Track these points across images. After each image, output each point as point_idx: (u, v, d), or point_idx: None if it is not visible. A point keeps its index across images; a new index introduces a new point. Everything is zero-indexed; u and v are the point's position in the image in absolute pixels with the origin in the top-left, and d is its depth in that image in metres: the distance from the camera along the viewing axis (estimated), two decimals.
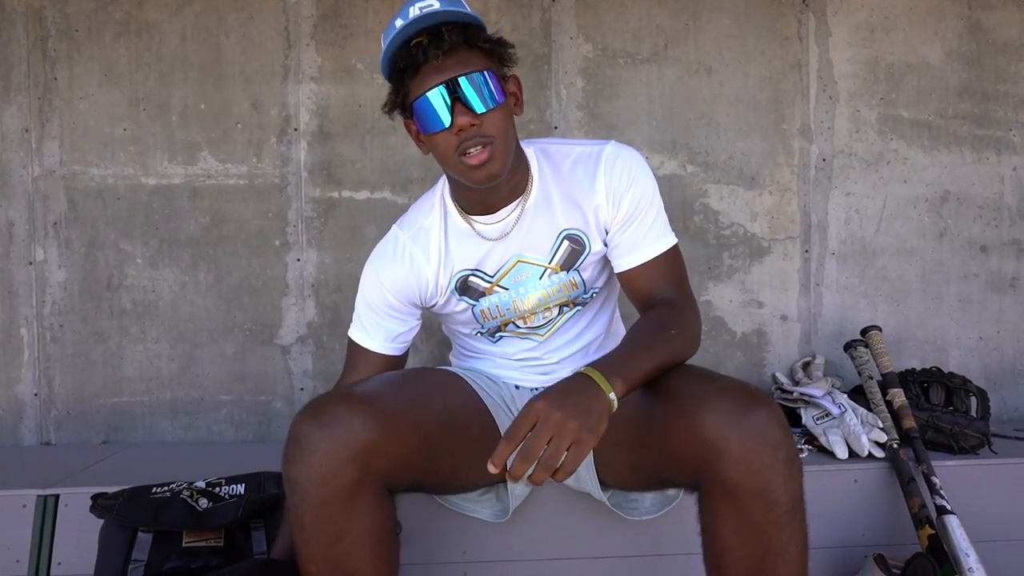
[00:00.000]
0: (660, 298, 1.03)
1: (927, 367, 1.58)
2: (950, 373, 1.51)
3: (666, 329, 0.95)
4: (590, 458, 1.06)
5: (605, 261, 1.12)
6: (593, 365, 0.86)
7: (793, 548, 0.83)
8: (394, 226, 1.13)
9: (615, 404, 0.83)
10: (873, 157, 1.74)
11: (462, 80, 0.91)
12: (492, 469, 0.76)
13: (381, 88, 1.65)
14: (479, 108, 0.92)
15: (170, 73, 1.65)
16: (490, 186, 0.99)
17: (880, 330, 1.57)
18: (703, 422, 0.82)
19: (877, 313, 1.74)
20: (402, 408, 0.92)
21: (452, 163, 0.96)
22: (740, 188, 1.72)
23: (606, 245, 1.08)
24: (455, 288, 1.09)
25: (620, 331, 1.22)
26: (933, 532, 1.19)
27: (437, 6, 0.92)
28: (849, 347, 1.59)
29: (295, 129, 1.66)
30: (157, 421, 1.66)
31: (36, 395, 1.66)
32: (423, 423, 0.94)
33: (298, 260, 1.67)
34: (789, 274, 1.73)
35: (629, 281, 1.07)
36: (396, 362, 1.14)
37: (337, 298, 1.67)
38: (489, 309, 1.10)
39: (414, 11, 0.91)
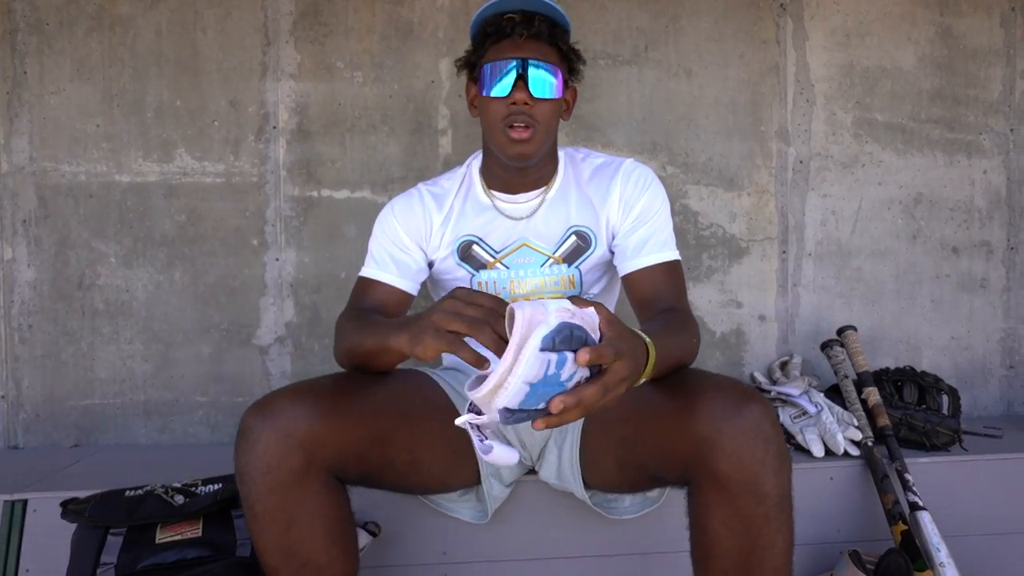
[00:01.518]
0: (663, 305, 1.05)
1: (901, 366, 1.62)
2: (923, 372, 1.54)
3: (691, 337, 0.98)
4: (576, 457, 1.07)
5: (606, 267, 1.16)
6: (655, 350, 0.80)
7: (780, 541, 0.85)
8: (419, 183, 1.22)
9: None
10: (849, 159, 1.77)
11: (534, 63, 1.02)
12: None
13: (361, 87, 1.65)
14: (537, 93, 1.03)
15: (145, 69, 1.62)
16: (519, 165, 1.09)
17: (855, 330, 1.60)
18: (697, 416, 0.83)
19: (853, 313, 1.77)
20: (349, 398, 0.94)
21: (495, 130, 1.06)
22: (719, 189, 1.74)
23: (612, 252, 1.13)
24: (457, 250, 1.14)
25: None
26: (906, 528, 1.21)
27: None
28: (825, 347, 1.61)
29: (274, 127, 1.64)
30: (130, 423, 1.63)
31: (4, 397, 1.61)
32: (374, 414, 0.95)
33: (276, 259, 1.65)
34: (767, 274, 1.75)
35: (633, 284, 1.10)
36: (403, 299, 1.14)
37: (316, 298, 1.65)
38: (486, 284, 1.15)
39: None
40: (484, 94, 1.05)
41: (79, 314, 1.62)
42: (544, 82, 1.03)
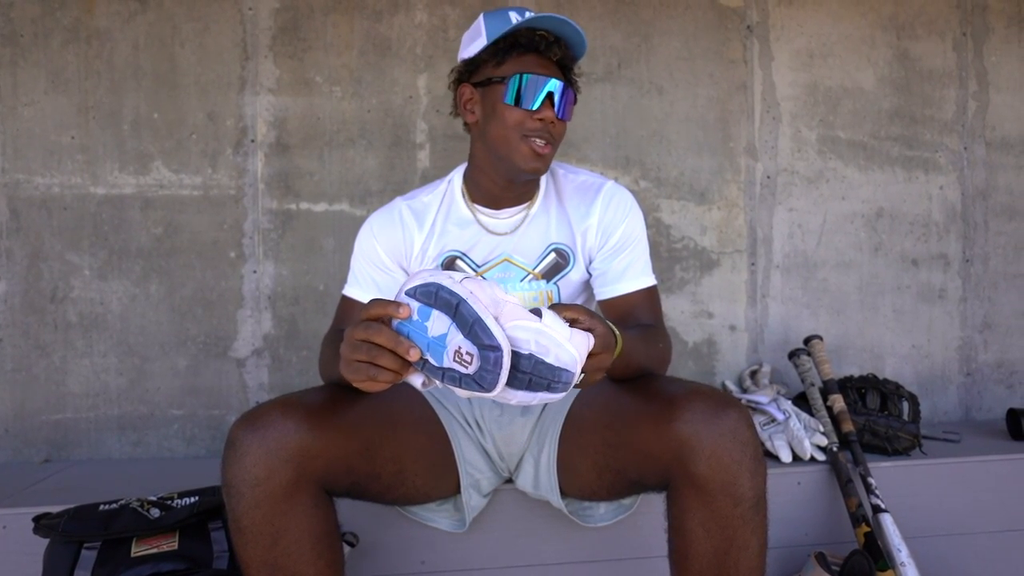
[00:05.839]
0: (640, 323, 1.09)
1: (864, 374, 1.68)
2: (884, 379, 1.60)
3: (656, 342, 1.04)
4: (553, 465, 1.09)
5: (583, 287, 1.18)
6: (623, 338, 0.88)
7: (755, 542, 0.88)
8: (396, 198, 1.20)
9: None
10: (814, 175, 1.84)
11: (565, 86, 1.06)
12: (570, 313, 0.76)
13: (340, 101, 1.67)
14: (561, 115, 1.06)
15: (121, 81, 1.62)
16: (526, 178, 1.11)
17: (821, 339, 1.66)
18: (677, 420, 0.86)
19: (819, 323, 1.83)
20: (339, 410, 0.94)
21: (512, 139, 1.05)
22: (690, 203, 1.79)
23: (589, 274, 1.16)
24: (441, 265, 1.15)
25: None
26: (869, 529, 1.25)
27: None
28: (793, 355, 1.66)
29: (252, 140, 1.65)
30: (103, 438, 1.61)
31: None
32: (362, 426, 0.96)
33: (254, 272, 1.65)
34: (737, 286, 1.81)
35: (611, 309, 1.13)
36: None
37: (294, 310, 1.66)
38: None
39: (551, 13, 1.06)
40: (509, 102, 1.03)
41: (52, 327, 1.60)
42: (567, 105, 1.06)
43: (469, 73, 1.10)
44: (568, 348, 0.71)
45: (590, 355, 0.76)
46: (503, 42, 1.06)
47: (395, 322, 0.74)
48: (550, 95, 1.03)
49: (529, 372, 0.70)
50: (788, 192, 1.83)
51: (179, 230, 1.63)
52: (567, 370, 0.71)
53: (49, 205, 1.60)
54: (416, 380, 0.75)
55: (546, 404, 1.14)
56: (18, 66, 1.59)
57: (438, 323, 0.71)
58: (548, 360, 0.70)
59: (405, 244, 1.15)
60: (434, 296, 0.71)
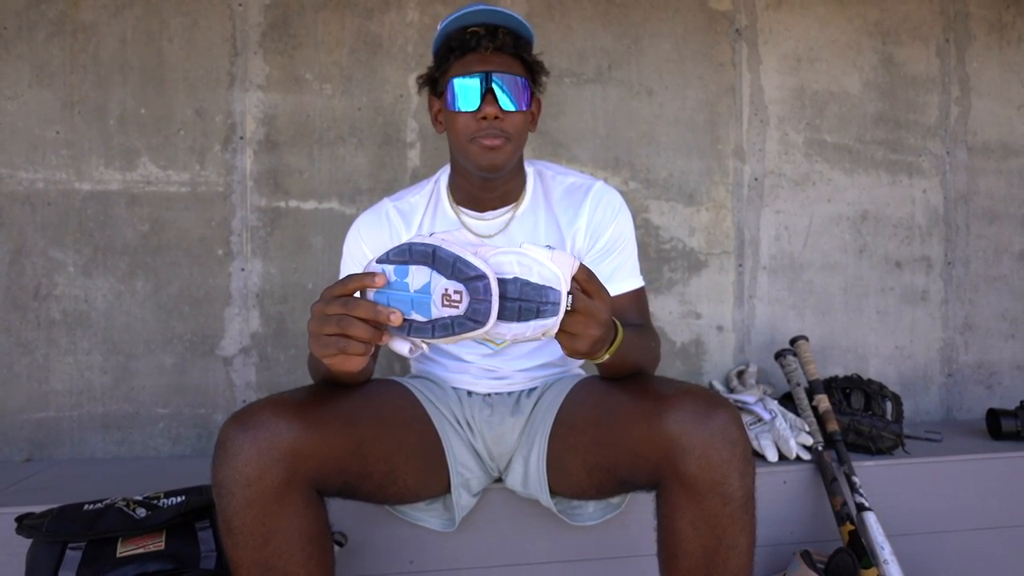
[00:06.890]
0: (630, 324, 1.10)
1: (849, 374, 1.70)
2: (868, 379, 1.62)
3: (649, 341, 1.06)
4: (543, 464, 1.09)
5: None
6: (623, 331, 0.91)
7: (744, 540, 0.89)
8: (384, 198, 1.20)
9: (593, 362, 0.91)
10: (800, 177, 1.86)
11: (502, 76, 1.02)
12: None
13: (330, 99, 1.66)
14: (507, 106, 1.03)
15: (108, 76, 1.60)
16: (489, 177, 1.08)
17: (807, 340, 1.68)
18: (668, 420, 0.87)
19: (805, 324, 1.85)
20: (330, 410, 0.94)
21: (464, 145, 1.05)
22: (679, 204, 1.80)
23: None
24: None
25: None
26: (853, 528, 1.27)
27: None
28: (779, 356, 1.68)
29: (241, 137, 1.64)
30: (87, 437, 1.59)
31: None
32: (354, 425, 0.95)
33: (242, 270, 1.64)
34: (724, 287, 1.82)
35: None
36: None
37: (283, 308, 1.65)
38: None
39: (482, 6, 1.05)
40: (452, 109, 1.04)
41: (34, 325, 1.57)
42: (512, 95, 1.03)
43: (432, 85, 1.12)
44: (549, 266, 0.72)
45: (585, 292, 0.77)
46: (443, 50, 1.07)
47: (371, 294, 0.74)
48: (489, 91, 1.02)
49: (517, 297, 0.71)
50: (775, 194, 1.85)
51: (166, 227, 1.61)
52: (552, 288, 0.72)
53: (33, 200, 1.58)
54: (403, 347, 0.75)
55: (536, 403, 1.15)
56: (1, 59, 1.57)
57: (418, 276, 0.71)
58: (532, 279, 0.72)
59: (392, 244, 1.14)
60: (408, 252, 0.72)
